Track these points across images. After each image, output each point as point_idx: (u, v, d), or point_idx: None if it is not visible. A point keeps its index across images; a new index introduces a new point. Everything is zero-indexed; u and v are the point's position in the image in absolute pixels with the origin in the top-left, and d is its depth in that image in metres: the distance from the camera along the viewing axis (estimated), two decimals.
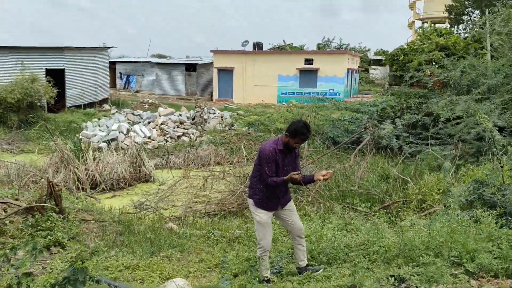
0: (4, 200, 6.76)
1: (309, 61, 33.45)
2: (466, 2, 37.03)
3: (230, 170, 11.53)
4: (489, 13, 17.82)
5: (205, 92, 37.87)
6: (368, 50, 56.71)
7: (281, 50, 43.12)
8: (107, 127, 19.61)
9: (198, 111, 22.39)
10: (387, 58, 40.91)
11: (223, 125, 21.96)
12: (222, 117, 23.29)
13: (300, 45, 50.18)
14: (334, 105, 17.90)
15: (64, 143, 12.27)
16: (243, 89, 34.56)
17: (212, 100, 35.28)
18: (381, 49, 53.53)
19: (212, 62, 36.36)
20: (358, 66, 40.98)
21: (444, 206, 6.67)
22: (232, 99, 34.67)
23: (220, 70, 35.21)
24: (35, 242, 3.36)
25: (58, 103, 24.52)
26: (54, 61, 25.31)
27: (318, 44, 53.71)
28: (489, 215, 5.29)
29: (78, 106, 26.10)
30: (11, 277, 4.29)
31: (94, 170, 11.59)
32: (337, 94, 31.98)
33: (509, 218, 5.47)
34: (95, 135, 18.58)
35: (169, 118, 21.22)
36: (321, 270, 5.02)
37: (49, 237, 5.94)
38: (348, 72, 34.02)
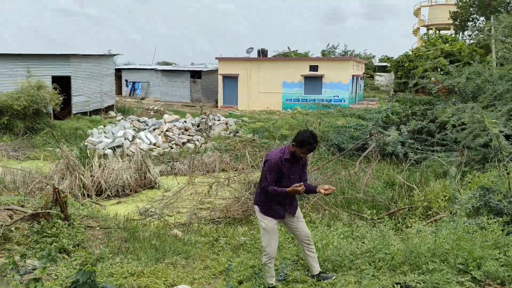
0: (10, 206, 6.79)
1: (314, 68, 33.49)
2: (471, 9, 36.96)
3: (235, 177, 11.51)
4: (494, 20, 17.79)
5: (210, 99, 37.98)
6: (373, 56, 56.72)
7: (285, 57, 43.20)
8: (113, 134, 19.69)
9: (203, 118, 22.45)
10: (392, 64, 40.86)
11: (228, 132, 21.98)
12: (227, 123, 23.34)
13: (305, 51, 50.27)
14: (339, 111, 17.89)
15: (70, 149, 12.34)
16: (248, 96, 34.61)
17: (217, 106, 35.37)
18: (386, 56, 53.52)
19: (217, 69, 36.48)
20: (363, 73, 40.98)
21: (450, 213, 6.63)
22: (237, 105, 34.73)
23: (225, 77, 35.30)
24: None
25: (64, 110, 24.66)
26: (60, 68, 25.49)
27: (323, 51, 53.77)
28: (495, 222, 5.27)
29: (84, 113, 26.24)
30: (16, 284, 4.31)
31: (100, 177, 11.62)
32: (342, 100, 31.96)
33: None
34: (101, 142, 18.65)
35: (174, 125, 21.28)
36: (333, 277, 5.00)
37: (54, 243, 5.95)
38: (353, 78, 34.02)
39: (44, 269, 3.45)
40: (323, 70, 33.20)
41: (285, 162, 4.77)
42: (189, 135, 20.68)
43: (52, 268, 5.42)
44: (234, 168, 13.57)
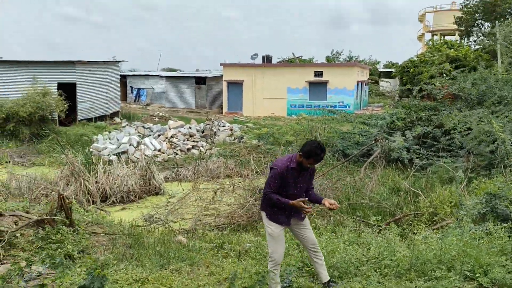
0: (15, 212, 6.80)
1: (318, 74, 33.51)
2: (476, 15, 36.95)
3: (239, 183, 11.50)
4: (499, 25, 17.77)
5: (214, 105, 38.05)
6: (378, 62, 56.74)
7: (290, 63, 43.27)
8: (118, 140, 19.74)
9: (208, 124, 22.48)
10: (397, 70, 40.84)
11: (233, 138, 21.99)
12: (231, 129, 23.35)
13: (310, 57, 50.35)
14: (344, 117, 17.87)
15: (75, 156, 12.36)
16: (253, 102, 34.65)
17: (221, 113, 35.42)
18: (391, 62, 53.51)
19: (222, 75, 36.58)
20: (368, 79, 40.95)
21: (456, 219, 6.59)
22: (242, 112, 34.77)
23: (230, 83, 35.38)
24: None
25: (69, 117, 24.76)
26: (65, 75, 25.61)
27: (327, 56, 53.84)
28: (501, 228, 5.22)
29: (89, 119, 26.33)
30: None
31: (104, 183, 11.65)
32: (347, 106, 31.95)
33: None
34: (106, 148, 18.70)
35: (179, 131, 21.31)
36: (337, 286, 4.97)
37: (59, 250, 5.94)
38: (357, 84, 34.01)
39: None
40: (327, 76, 33.21)
41: (291, 171, 4.76)
42: (193, 141, 20.70)
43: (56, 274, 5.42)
44: (239, 174, 13.56)
